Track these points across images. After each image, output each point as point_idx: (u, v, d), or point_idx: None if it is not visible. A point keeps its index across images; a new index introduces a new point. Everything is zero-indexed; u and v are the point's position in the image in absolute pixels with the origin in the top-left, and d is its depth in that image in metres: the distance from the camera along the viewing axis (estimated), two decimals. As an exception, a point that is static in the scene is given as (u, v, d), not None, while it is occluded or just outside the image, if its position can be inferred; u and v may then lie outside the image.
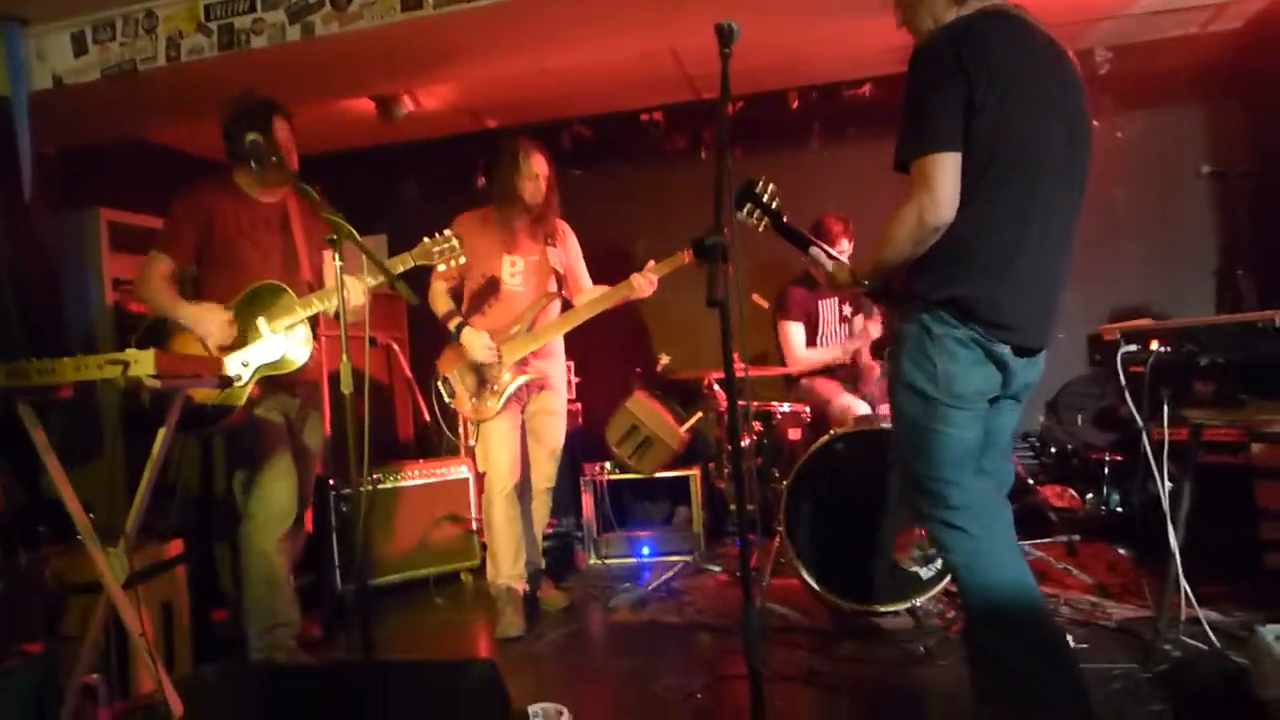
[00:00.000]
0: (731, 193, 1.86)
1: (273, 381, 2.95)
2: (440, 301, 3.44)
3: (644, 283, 3.44)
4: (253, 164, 2.85)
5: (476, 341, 3.37)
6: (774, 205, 2.38)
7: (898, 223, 2.00)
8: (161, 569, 3.10)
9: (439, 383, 3.48)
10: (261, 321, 2.90)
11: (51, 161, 4.42)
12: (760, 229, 2.39)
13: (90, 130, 4.46)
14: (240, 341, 2.90)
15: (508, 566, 3.41)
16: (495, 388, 3.40)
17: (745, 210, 2.37)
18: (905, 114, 2.02)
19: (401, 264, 2.93)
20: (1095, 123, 4.91)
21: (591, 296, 3.57)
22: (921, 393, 2.08)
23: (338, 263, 2.37)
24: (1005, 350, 2.09)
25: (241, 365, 2.89)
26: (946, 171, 1.95)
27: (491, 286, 3.47)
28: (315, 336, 2.98)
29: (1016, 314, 2.06)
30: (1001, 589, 2.05)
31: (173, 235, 2.96)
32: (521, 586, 3.42)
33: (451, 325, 3.40)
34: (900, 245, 2.02)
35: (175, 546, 3.22)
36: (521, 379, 3.43)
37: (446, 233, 3.03)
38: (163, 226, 3.03)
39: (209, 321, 2.85)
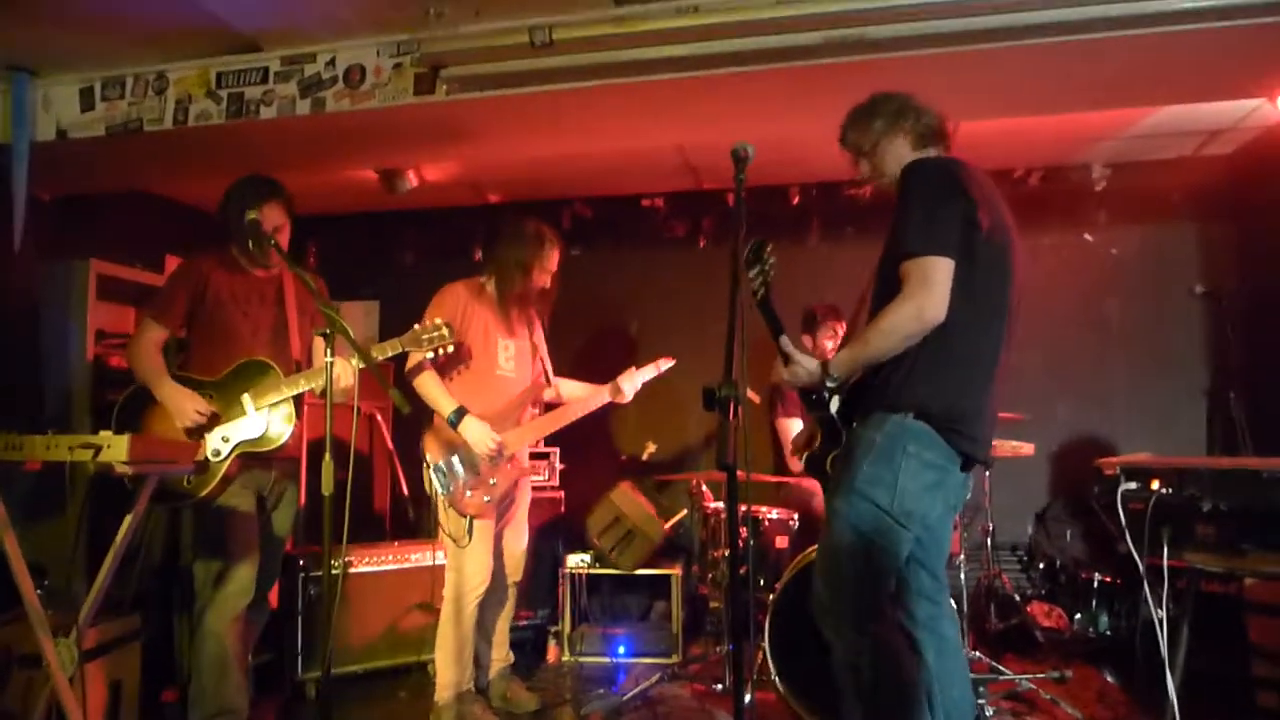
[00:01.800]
0: (743, 328, 1.80)
1: (250, 456, 2.89)
2: (430, 382, 3.22)
3: (628, 388, 3.49)
4: (250, 244, 2.83)
5: (480, 432, 3.17)
6: (770, 276, 2.28)
7: (893, 315, 2.08)
8: (116, 645, 2.98)
9: (430, 470, 3.23)
10: (246, 398, 2.86)
11: (45, 208, 4.37)
12: (756, 297, 2.28)
13: (89, 181, 4.43)
14: (223, 417, 2.87)
15: (466, 673, 3.24)
16: (492, 481, 3.25)
17: (754, 272, 2.29)
18: (910, 215, 2.14)
19: (391, 349, 2.90)
20: (1089, 237, 5.02)
21: (580, 392, 3.54)
22: (875, 503, 2.13)
23: (328, 358, 2.30)
24: (957, 472, 2.23)
25: (221, 440, 2.85)
26: (945, 274, 2.07)
27: (487, 370, 3.32)
28: (300, 410, 2.94)
29: (983, 427, 2.23)
30: (950, 695, 2.14)
31: (166, 303, 2.97)
32: (472, 684, 3.28)
33: (448, 411, 3.17)
34: (891, 337, 2.10)
35: (131, 623, 3.09)
36: (517, 473, 3.35)
37: (438, 320, 2.98)
38: (158, 293, 3.07)
39: (183, 406, 2.83)
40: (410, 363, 3.22)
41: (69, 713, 2.33)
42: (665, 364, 3.58)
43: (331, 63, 3.47)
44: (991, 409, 2.26)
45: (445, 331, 2.95)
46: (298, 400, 2.91)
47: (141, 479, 2.44)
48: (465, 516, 3.20)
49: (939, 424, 2.14)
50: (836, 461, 2.34)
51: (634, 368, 3.52)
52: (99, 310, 4.14)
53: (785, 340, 2.29)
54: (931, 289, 2.05)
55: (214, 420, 2.85)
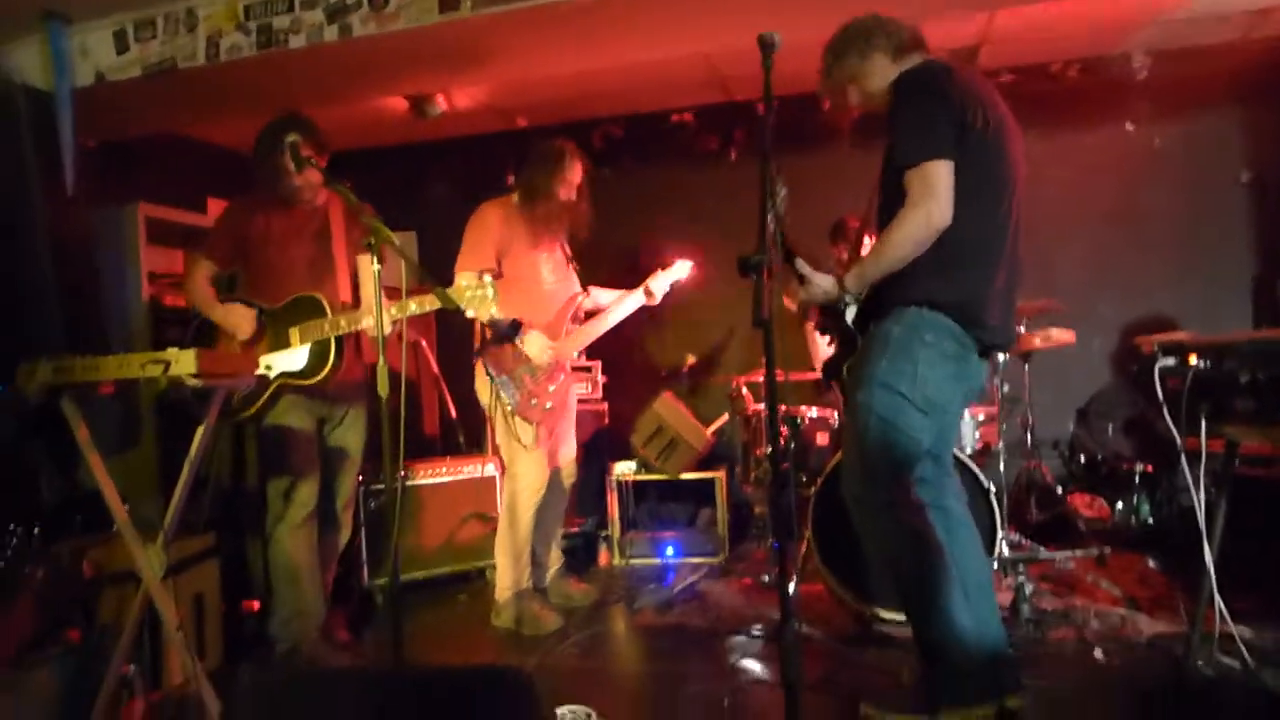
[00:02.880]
0: (771, 198, 1.87)
1: (301, 389, 3.03)
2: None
3: (657, 288, 3.56)
4: (289, 169, 2.94)
5: (539, 342, 3.32)
6: (781, 210, 2.32)
7: (904, 225, 2.16)
8: (195, 562, 3.16)
9: (496, 383, 3.32)
10: (294, 332, 3.01)
11: (91, 155, 4.48)
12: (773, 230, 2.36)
13: (130, 125, 4.52)
14: (271, 346, 3.03)
15: (525, 573, 3.42)
16: (551, 388, 3.38)
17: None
18: (903, 124, 2.24)
19: (430, 304, 2.85)
20: (1130, 127, 4.90)
21: (615, 298, 3.63)
22: (897, 392, 2.24)
23: (375, 267, 2.38)
24: (975, 359, 2.34)
25: (265, 368, 3.00)
26: (947, 176, 2.15)
27: (533, 283, 3.42)
28: (344, 346, 3.02)
29: (997, 314, 2.30)
30: (966, 565, 2.24)
31: (212, 241, 3.17)
32: (530, 582, 3.46)
33: (505, 324, 3.25)
34: (904, 246, 2.17)
35: (207, 540, 3.28)
36: (571, 380, 3.46)
37: (486, 279, 2.84)
38: (209, 231, 3.26)
39: (235, 319, 3.02)
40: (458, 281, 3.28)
41: (163, 611, 2.51)
42: (686, 264, 3.66)
43: (356, -14, 3.49)
44: (1004, 296, 2.34)
45: (489, 292, 2.80)
46: (341, 336, 2.98)
47: (209, 396, 2.57)
48: (531, 423, 3.33)
49: (953, 313, 2.25)
50: (852, 367, 2.43)
51: (659, 269, 3.62)
52: (150, 253, 4.29)
53: (800, 262, 2.38)
54: (936, 194, 2.13)
55: (265, 347, 3.01)
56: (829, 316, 2.50)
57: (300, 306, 3.02)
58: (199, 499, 3.57)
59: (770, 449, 1.85)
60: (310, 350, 2.99)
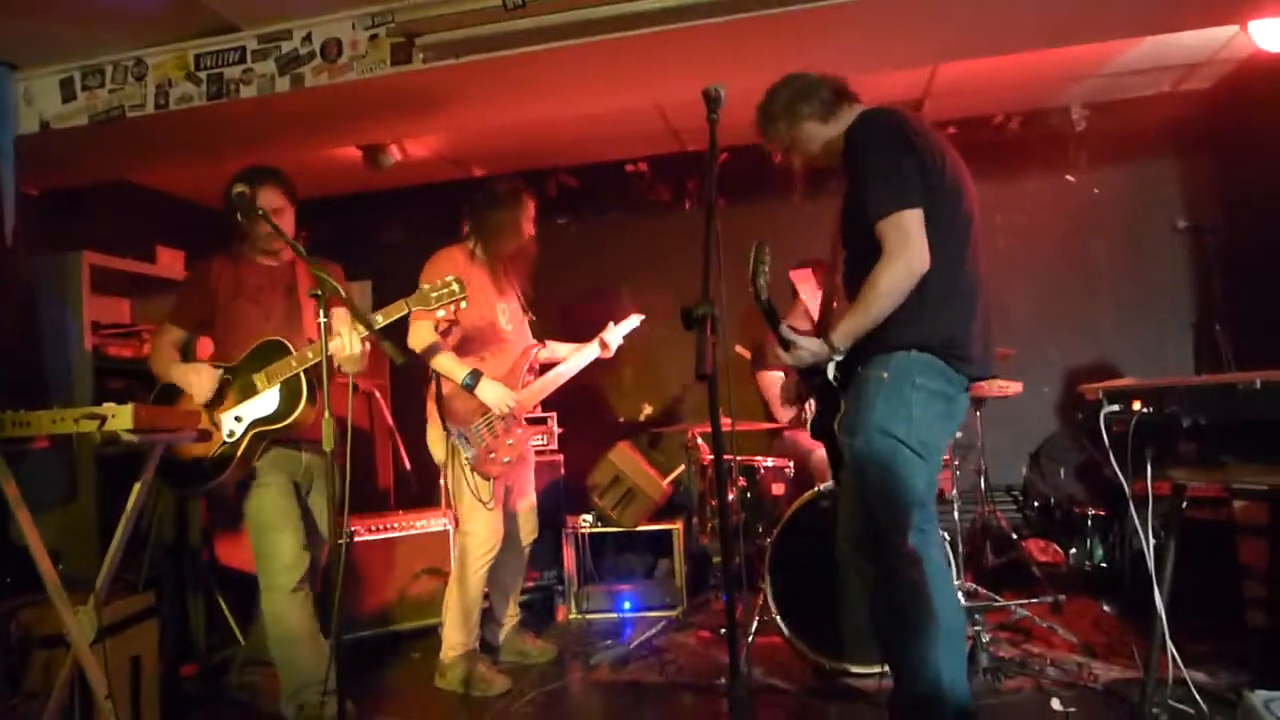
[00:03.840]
0: (719, 256, 1.87)
1: (276, 441, 2.93)
2: (439, 350, 3.23)
3: (611, 340, 3.58)
4: (238, 217, 2.84)
5: (497, 392, 3.23)
6: (767, 275, 2.31)
7: (885, 277, 2.17)
8: (133, 622, 3.04)
9: (453, 438, 3.25)
10: (259, 377, 2.89)
11: (34, 203, 4.39)
12: (760, 299, 2.31)
13: (76, 173, 4.45)
14: (238, 399, 2.90)
15: (473, 634, 3.32)
16: (509, 441, 3.30)
17: (757, 275, 2.31)
18: (870, 176, 2.24)
19: (397, 311, 2.84)
20: (1071, 178, 5.05)
21: (571, 350, 3.63)
22: (894, 437, 2.22)
23: (320, 319, 2.35)
24: (963, 395, 2.36)
25: (235, 420, 2.88)
26: (919, 225, 2.17)
27: (491, 332, 3.37)
28: (315, 391, 2.89)
29: (979, 348, 2.33)
30: (945, 612, 2.22)
31: (178, 305, 3.10)
32: (476, 643, 3.36)
33: (463, 375, 3.19)
34: (890, 297, 2.18)
35: (146, 599, 3.15)
36: (529, 432, 3.41)
37: (449, 278, 2.85)
38: (175, 297, 3.17)
39: (195, 378, 2.90)
40: (413, 333, 3.21)
41: (92, 679, 2.40)
42: (637, 317, 3.69)
43: (308, 38, 3.49)
44: (983, 331, 2.36)
45: (455, 287, 2.83)
46: (314, 380, 2.86)
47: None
48: (489, 479, 3.25)
49: (942, 352, 2.25)
50: (841, 422, 2.40)
51: (611, 323, 3.64)
52: (94, 302, 4.18)
53: (785, 329, 2.36)
54: (912, 242, 2.15)
55: (231, 401, 2.89)
56: (808, 375, 2.48)
57: (264, 352, 2.91)
58: (138, 556, 3.46)
59: (717, 500, 1.80)
60: (280, 392, 2.87)
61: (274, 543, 2.91)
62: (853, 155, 2.30)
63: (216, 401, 2.91)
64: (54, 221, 4.44)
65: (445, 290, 2.82)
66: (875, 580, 2.28)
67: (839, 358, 2.35)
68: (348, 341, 2.78)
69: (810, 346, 2.33)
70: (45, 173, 4.28)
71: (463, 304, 2.87)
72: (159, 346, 3.05)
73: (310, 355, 2.84)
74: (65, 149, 4.05)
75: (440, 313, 2.89)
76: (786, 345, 2.35)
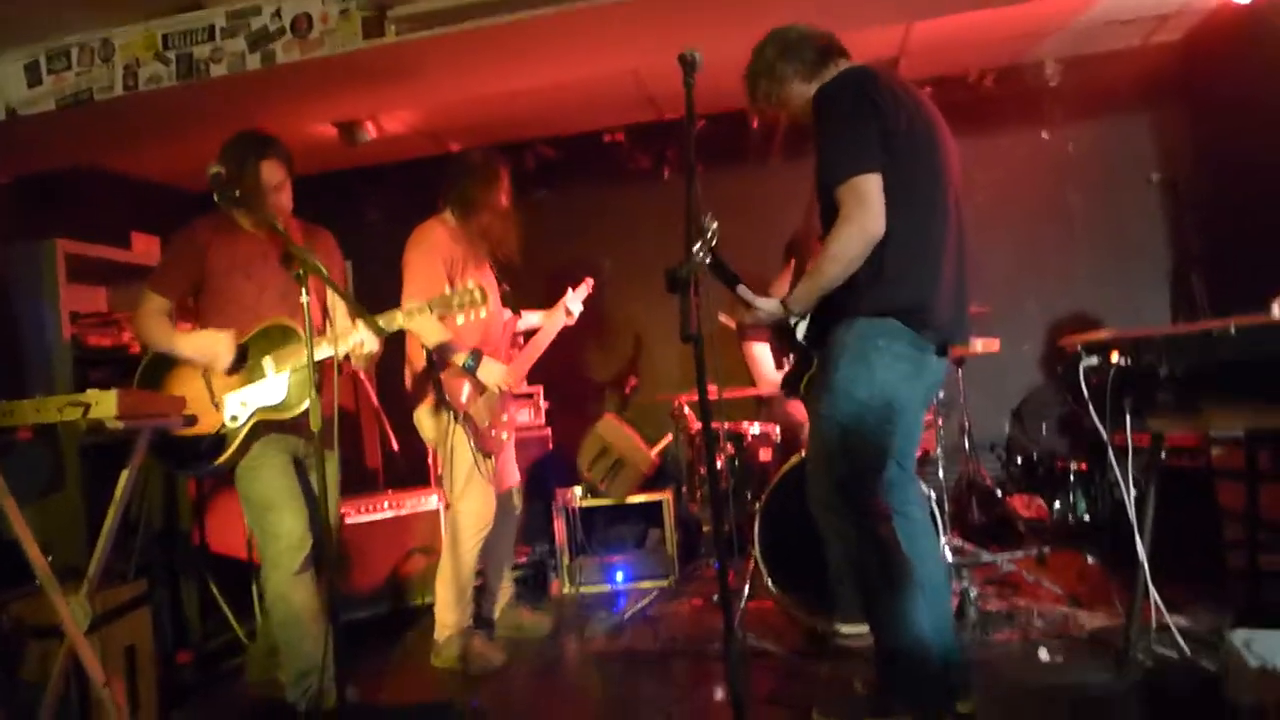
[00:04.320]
0: (701, 234, 1.87)
1: (277, 424, 2.82)
2: (436, 330, 3.16)
3: (574, 307, 3.60)
4: (214, 197, 2.73)
5: (498, 371, 3.22)
6: (714, 242, 2.22)
7: (840, 241, 2.19)
8: (126, 611, 3.03)
9: (460, 420, 3.21)
10: (267, 361, 2.78)
11: (5, 191, 4.32)
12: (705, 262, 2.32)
13: (46, 159, 4.38)
14: (243, 379, 2.79)
15: (465, 611, 3.30)
16: (505, 417, 3.31)
17: (697, 246, 2.36)
18: (828, 142, 2.26)
19: (419, 313, 2.81)
20: (1046, 134, 5.07)
21: (541, 321, 3.64)
22: (854, 397, 2.25)
23: (304, 299, 2.31)
24: (933, 357, 2.34)
25: (239, 405, 2.77)
26: (876, 188, 2.17)
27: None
28: (323, 381, 2.75)
29: (946, 312, 2.31)
30: (925, 570, 2.27)
31: (165, 274, 2.88)
32: (471, 620, 3.35)
33: (463, 356, 3.16)
34: (840, 262, 2.21)
35: (138, 587, 3.15)
36: (519, 408, 3.42)
37: (470, 284, 2.82)
38: (157, 265, 2.94)
39: (213, 346, 2.73)
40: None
41: (88, 668, 2.40)
42: (588, 283, 3.74)
43: (277, 13, 3.43)
44: (954, 292, 2.34)
45: (478, 295, 2.80)
46: (321, 367, 2.72)
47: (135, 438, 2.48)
48: (489, 455, 3.25)
49: (904, 317, 2.25)
50: (812, 380, 2.46)
51: (570, 288, 3.68)
52: (71, 291, 4.13)
53: (742, 289, 2.39)
54: (867, 207, 2.15)
55: (235, 382, 2.78)
56: (781, 335, 2.51)
57: (270, 335, 2.79)
58: (128, 545, 3.44)
59: (705, 467, 1.81)
60: (290, 380, 2.76)
61: (276, 523, 2.79)
62: (816, 119, 2.31)
63: (234, 369, 2.78)
64: (26, 210, 4.37)
65: (469, 297, 2.81)
66: (845, 537, 2.33)
67: (796, 319, 2.38)
68: (366, 339, 2.71)
69: (767, 307, 2.37)
70: (15, 160, 4.21)
71: (483, 312, 2.87)
72: (148, 316, 2.82)
73: (325, 346, 2.73)
74: (34, 135, 3.99)
75: (461, 319, 2.87)
76: (746, 305, 2.40)
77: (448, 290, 2.87)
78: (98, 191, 4.84)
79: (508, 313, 3.53)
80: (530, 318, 3.67)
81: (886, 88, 2.27)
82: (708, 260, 2.22)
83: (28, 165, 4.35)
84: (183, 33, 3.54)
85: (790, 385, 2.62)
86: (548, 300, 3.76)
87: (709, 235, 2.17)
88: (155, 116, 3.93)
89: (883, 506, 2.30)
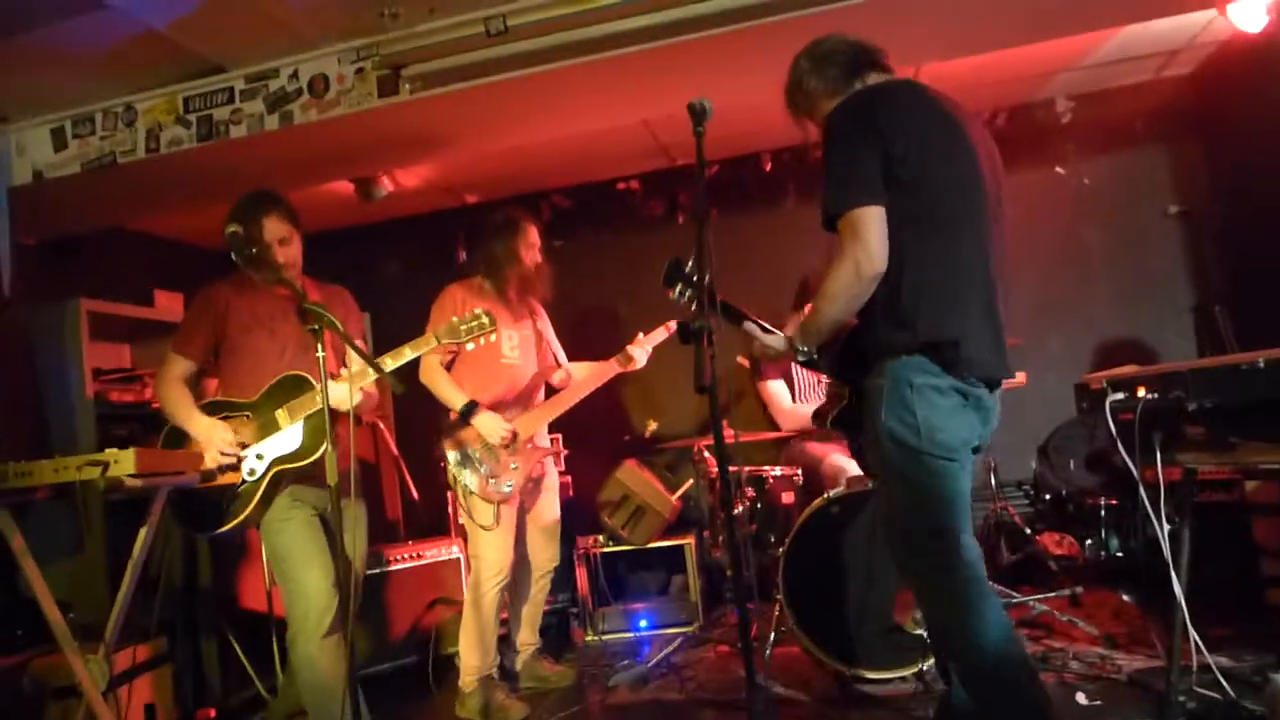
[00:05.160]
0: (707, 269, 1.86)
1: (298, 476, 2.83)
2: (440, 378, 3.27)
3: (640, 354, 3.52)
4: (233, 256, 2.79)
5: (491, 424, 3.23)
6: (711, 285, 2.12)
7: (834, 278, 2.06)
8: (145, 669, 3.02)
9: (454, 465, 3.26)
10: (281, 413, 2.80)
11: (30, 252, 4.41)
12: (692, 307, 2.19)
13: (71, 221, 4.48)
14: (258, 435, 2.81)
15: (489, 659, 3.29)
16: (513, 466, 3.30)
17: (676, 290, 2.35)
18: (828, 172, 2.10)
19: (426, 344, 2.85)
20: (1061, 170, 5.06)
21: (588, 371, 3.58)
22: (905, 445, 2.07)
23: (320, 354, 2.33)
24: (982, 391, 2.14)
25: (256, 458, 2.78)
26: (873, 222, 2.02)
27: (490, 361, 3.35)
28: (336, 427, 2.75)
29: (985, 348, 2.12)
30: (1000, 656, 2.03)
31: (186, 335, 2.93)
32: (494, 669, 3.33)
33: (459, 405, 3.22)
34: (838, 300, 2.07)
35: (158, 645, 3.14)
36: (538, 456, 3.41)
37: (477, 310, 2.88)
38: (179, 327, 3.00)
39: (211, 439, 2.77)
40: (423, 365, 3.23)
41: (107, 728, 2.38)
42: (672, 324, 3.61)
43: (295, 75, 3.52)
44: (990, 320, 2.15)
45: (485, 320, 2.85)
46: (336, 418, 2.71)
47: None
48: (492, 503, 3.25)
49: (932, 354, 2.07)
50: (842, 414, 2.34)
51: (641, 334, 3.59)
52: (94, 349, 4.19)
53: (749, 325, 2.33)
54: (862, 242, 2.01)
55: (247, 434, 2.81)
56: (808, 365, 2.39)
57: (284, 387, 2.82)
58: (148, 602, 3.44)
59: (724, 512, 1.77)
60: (304, 428, 2.78)
61: (303, 582, 2.75)
62: (822, 146, 2.16)
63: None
64: (51, 270, 4.45)
65: (475, 323, 2.86)
66: (926, 598, 2.18)
67: (804, 358, 2.25)
68: (348, 392, 2.72)
69: (775, 344, 2.29)
70: (40, 222, 4.30)
71: (492, 336, 2.90)
72: (169, 383, 2.88)
73: (335, 391, 2.75)
74: (59, 198, 4.08)
75: (470, 345, 2.91)
76: (753, 340, 2.33)
77: (454, 319, 2.88)
78: (121, 251, 4.93)
79: (550, 363, 3.56)
80: (579, 369, 3.64)
81: (896, 108, 2.11)
82: (704, 303, 2.20)
83: (53, 227, 4.45)
84: (203, 95, 3.63)
85: (821, 417, 2.46)
86: (566, 347, 3.76)
87: (692, 278, 2.12)
88: (177, 178, 4.01)
89: (965, 559, 2.08)
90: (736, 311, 2.33)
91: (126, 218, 4.85)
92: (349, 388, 2.73)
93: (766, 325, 2.37)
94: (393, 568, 3.92)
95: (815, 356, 2.26)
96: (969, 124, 2.23)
